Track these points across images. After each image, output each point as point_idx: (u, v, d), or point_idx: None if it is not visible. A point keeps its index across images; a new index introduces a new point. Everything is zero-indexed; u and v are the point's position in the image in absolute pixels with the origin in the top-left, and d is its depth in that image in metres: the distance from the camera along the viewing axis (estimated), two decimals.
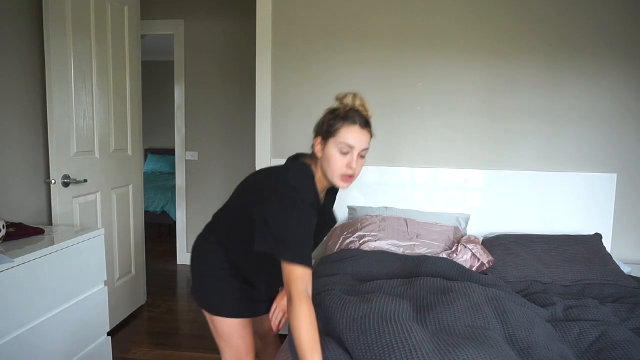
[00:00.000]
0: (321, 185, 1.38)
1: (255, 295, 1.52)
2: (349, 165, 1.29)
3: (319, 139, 1.34)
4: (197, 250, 1.54)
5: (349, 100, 1.33)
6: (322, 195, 1.42)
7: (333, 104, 1.34)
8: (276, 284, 1.57)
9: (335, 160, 1.29)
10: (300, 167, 1.37)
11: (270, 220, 1.26)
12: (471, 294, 1.56)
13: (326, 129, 1.32)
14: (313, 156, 1.38)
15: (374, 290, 1.70)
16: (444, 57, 2.64)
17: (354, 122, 1.29)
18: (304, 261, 1.21)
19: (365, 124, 1.31)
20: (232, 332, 1.50)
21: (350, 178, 1.31)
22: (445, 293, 1.57)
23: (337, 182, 1.32)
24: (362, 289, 1.72)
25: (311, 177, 1.35)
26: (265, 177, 1.40)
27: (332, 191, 1.52)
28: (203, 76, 3.93)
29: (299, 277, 1.19)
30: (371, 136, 1.34)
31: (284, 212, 1.24)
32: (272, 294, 1.59)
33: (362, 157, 1.32)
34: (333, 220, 1.55)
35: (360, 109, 1.32)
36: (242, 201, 1.43)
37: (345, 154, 1.29)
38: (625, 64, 2.54)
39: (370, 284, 1.75)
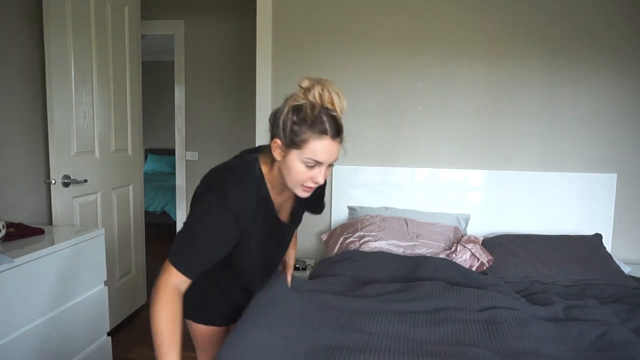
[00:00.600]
0: (278, 183, 1.20)
1: (236, 301, 1.42)
2: (314, 179, 1.11)
3: (279, 143, 1.10)
4: None
5: (315, 95, 1.08)
6: (282, 195, 1.26)
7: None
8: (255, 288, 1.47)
9: (297, 173, 1.11)
10: (244, 167, 1.17)
11: (187, 221, 1.12)
12: (462, 309, 1.58)
13: (289, 136, 1.08)
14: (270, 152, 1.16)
15: (368, 297, 1.69)
16: (444, 57, 2.64)
17: (323, 132, 1.06)
18: (184, 269, 1.07)
19: (337, 132, 1.09)
20: (208, 338, 1.43)
21: (312, 189, 1.16)
22: (437, 311, 1.58)
23: (297, 192, 1.16)
24: (358, 294, 1.73)
25: (253, 180, 1.16)
26: (204, 177, 1.21)
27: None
28: (203, 76, 3.93)
29: (174, 275, 1.07)
30: (342, 142, 1.13)
31: (196, 215, 1.11)
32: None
33: (330, 165, 1.15)
34: (297, 218, 1.40)
35: (330, 107, 1.09)
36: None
37: (311, 167, 1.10)
38: (625, 64, 2.54)
39: (366, 291, 1.75)
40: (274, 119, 1.14)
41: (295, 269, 2.58)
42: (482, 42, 2.61)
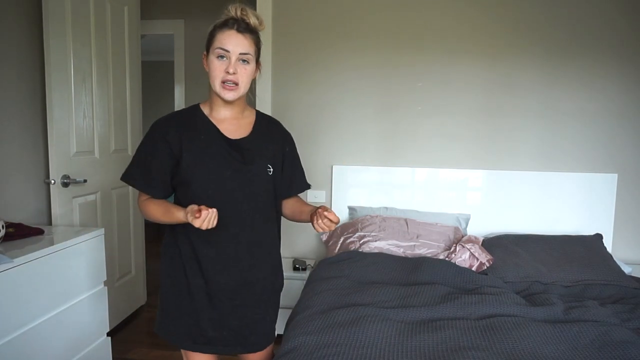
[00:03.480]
0: (214, 104, 1.35)
1: (222, 320, 1.34)
2: (226, 70, 1.25)
3: (204, 55, 1.33)
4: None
5: (230, 11, 1.29)
6: (220, 111, 1.35)
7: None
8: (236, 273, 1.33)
9: (213, 67, 1.27)
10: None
11: None
12: (461, 318, 1.59)
13: (207, 42, 1.31)
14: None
15: (364, 304, 1.68)
16: (444, 57, 2.64)
17: (229, 28, 1.26)
18: (127, 177, 1.33)
19: (245, 28, 1.27)
20: None
21: (231, 87, 1.27)
22: (435, 320, 1.58)
23: (220, 92, 1.28)
24: (354, 300, 1.72)
25: (186, 109, 1.39)
26: None
27: (265, 126, 1.43)
28: (203, 76, 3.90)
29: (139, 195, 1.34)
30: (256, 43, 1.30)
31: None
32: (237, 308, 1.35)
33: (246, 62, 1.28)
34: (255, 159, 1.35)
35: (243, 17, 1.28)
36: None
37: (222, 57, 1.26)
38: (625, 64, 2.54)
39: (362, 297, 1.74)
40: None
41: (295, 269, 2.59)
42: (483, 42, 2.61)
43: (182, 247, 1.33)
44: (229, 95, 1.28)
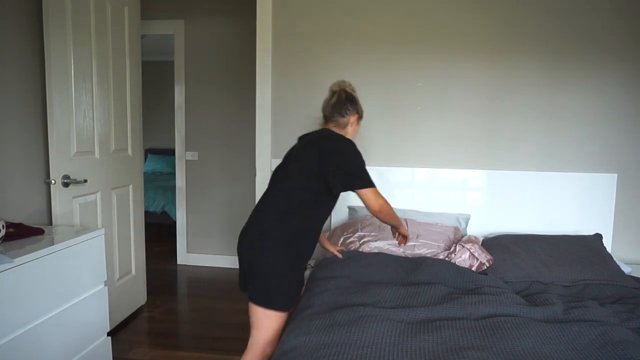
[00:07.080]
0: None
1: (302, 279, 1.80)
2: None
3: (356, 117, 1.91)
4: (265, 248, 1.69)
5: (357, 95, 1.93)
6: None
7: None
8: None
9: (356, 132, 1.95)
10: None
11: (350, 164, 1.75)
12: (461, 318, 1.59)
13: (360, 114, 1.94)
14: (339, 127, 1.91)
15: (364, 304, 1.69)
16: (444, 57, 2.64)
17: None
18: (373, 184, 1.76)
19: None
20: (280, 322, 1.70)
21: None
22: (435, 320, 1.58)
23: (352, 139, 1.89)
24: (354, 300, 1.72)
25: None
26: (327, 142, 1.80)
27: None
28: (203, 76, 3.93)
29: (374, 193, 1.74)
30: None
31: (354, 157, 1.77)
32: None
33: None
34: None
35: None
36: (308, 169, 1.75)
37: None
38: (625, 64, 2.54)
39: (362, 298, 1.74)
40: (355, 103, 1.91)
41: None
42: (482, 42, 2.61)
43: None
44: None
